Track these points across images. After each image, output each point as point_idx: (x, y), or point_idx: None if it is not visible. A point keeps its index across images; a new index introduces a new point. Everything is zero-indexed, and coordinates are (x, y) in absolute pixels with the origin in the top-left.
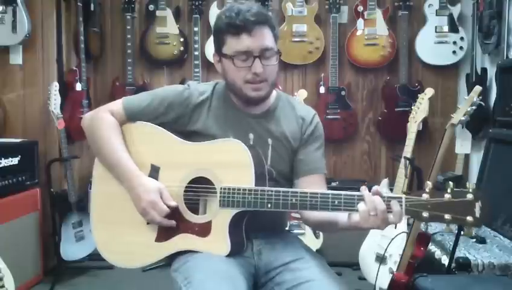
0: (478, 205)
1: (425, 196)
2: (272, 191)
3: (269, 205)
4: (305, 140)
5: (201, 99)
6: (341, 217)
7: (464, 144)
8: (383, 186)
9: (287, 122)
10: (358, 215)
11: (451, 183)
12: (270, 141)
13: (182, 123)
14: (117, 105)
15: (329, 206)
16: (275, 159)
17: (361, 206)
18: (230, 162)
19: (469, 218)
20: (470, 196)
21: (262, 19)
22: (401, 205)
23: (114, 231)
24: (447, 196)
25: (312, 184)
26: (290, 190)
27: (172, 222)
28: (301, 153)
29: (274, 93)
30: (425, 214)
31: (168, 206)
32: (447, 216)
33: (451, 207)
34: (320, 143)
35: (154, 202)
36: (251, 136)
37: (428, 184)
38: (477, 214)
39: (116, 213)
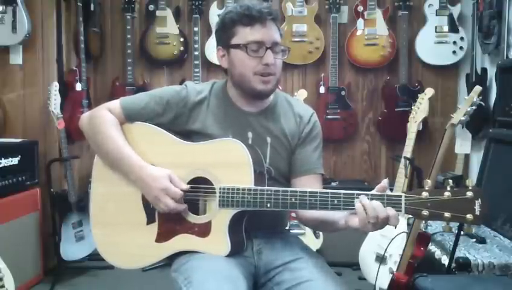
0: (478, 202)
1: (424, 194)
2: (271, 190)
3: (268, 205)
4: (303, 139)
5: (200, 98)
6: (338, 219)
7: (463, 144)
8: None
9: (286, 120)
10: (358, 221)
11: (450, 181)
12: (269, 139)
13: (180, 123)
14: (115, 105)
15: (329, 206)
16: (273, 158)
17: (360, 213)
18: (229, 162)
19: (469, 216)
20: (469, 194)
21: (275, 14)
22: (400, 206)
23: (114, 232)
24: (447, 194)
25: (308, 184)
26: (289, 189)
27: (185, 205)
28: (299, 153)
29: None
30: (425, 213)
31: (181, 190)
32: (446, 214)
33: (451, 205)
34: (317, 143)
35: (165, 188)
36: (250, 134)
37: (428, 182)
38: (477, 212)
39: (116, 214)
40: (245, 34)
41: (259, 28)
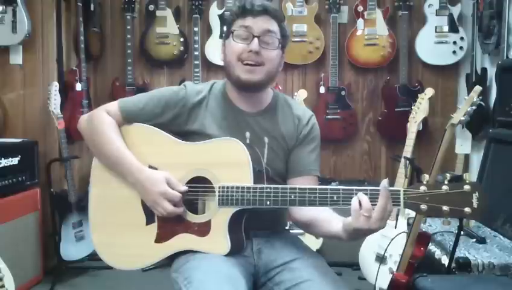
0: (475, 195)
1: (423, 188)
2: (270, 188)
3: (268, 203)
4: (300, 140)
5: (198, 99)
6: (332, 219)
7: (464, 144)
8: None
9: (284, 122)
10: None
11: (448, 175)
12: (266, 139)
13: (179, 123)
14: (113, 107)
15: (328, 202)
16: (271, 158)
17: (354, 204)
18: (228, 161)
19: (467, 209)
20: (467, 187)
21: (270, 11)
22: (398, 201)
23: (113, 233)
24: (445, 188)
25: (304, 185)
26: (289, 186)
27: (183, 208)
28: (295, 154)
29: (271, 92)
30: (423, 207)
31: (179, 192)
32: (445, 208)
33: (449, 199)
34: (315, 145)
35: (163, 192)
36: (248, 134)
37: (426, 177)
38: (475, 205)
39: (115, 215)
40: (237, 24)
41: (250, 19)
